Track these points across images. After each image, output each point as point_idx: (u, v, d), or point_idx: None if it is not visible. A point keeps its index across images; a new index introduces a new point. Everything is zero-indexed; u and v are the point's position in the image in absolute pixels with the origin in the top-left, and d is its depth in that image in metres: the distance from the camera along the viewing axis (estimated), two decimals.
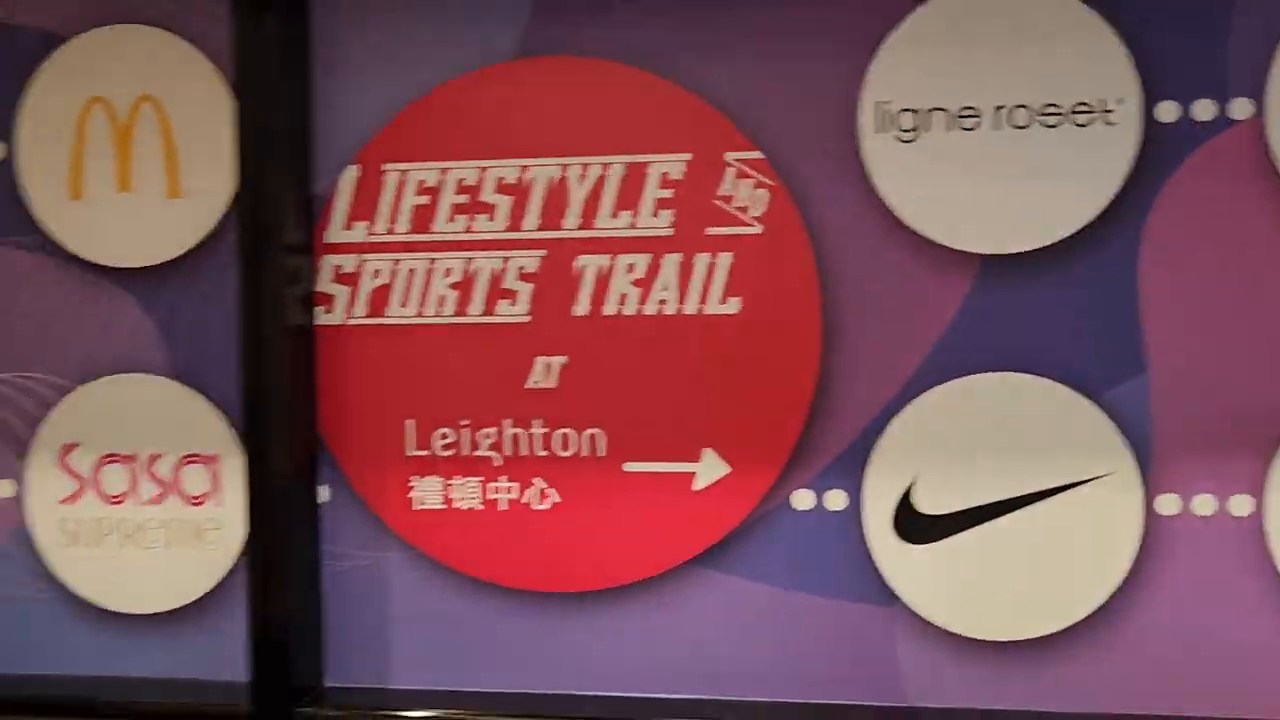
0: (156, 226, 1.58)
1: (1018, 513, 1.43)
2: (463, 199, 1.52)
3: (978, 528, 1.43)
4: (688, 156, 1.48)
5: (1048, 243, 1.40)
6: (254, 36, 1.47)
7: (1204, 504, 1.40)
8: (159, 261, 1.58)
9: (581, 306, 1.50)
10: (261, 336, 1.47)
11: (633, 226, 1.49)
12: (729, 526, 1.48)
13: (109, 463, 1.61)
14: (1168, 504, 1.40)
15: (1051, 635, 1.43)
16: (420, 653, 1.55)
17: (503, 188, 1.51)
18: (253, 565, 1.49)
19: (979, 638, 1.44)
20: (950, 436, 1.43)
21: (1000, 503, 1.43)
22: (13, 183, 1.60)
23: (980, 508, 1.43)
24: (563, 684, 1.52)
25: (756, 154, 1.46)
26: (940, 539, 1.44)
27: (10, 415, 1.62)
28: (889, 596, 1.45)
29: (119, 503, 1.61)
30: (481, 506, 1.53)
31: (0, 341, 1.61)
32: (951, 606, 1.44)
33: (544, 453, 1.51)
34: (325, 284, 1.55)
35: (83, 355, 1.61)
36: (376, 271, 1.54)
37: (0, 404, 1.62)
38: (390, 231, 1.54)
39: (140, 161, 1.58)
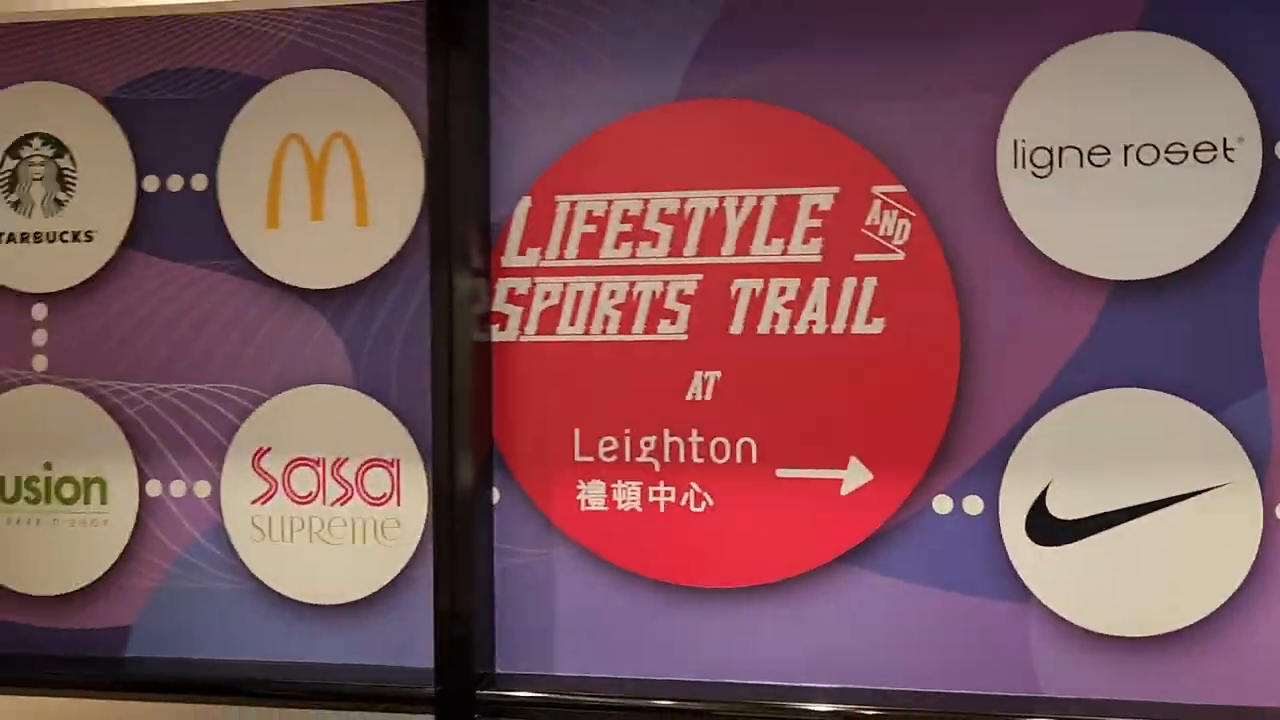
0: (345, 252, 1.75)
1: (1144, 518, 1.55)
2: (627, 227, 1.67)
3: (1106, 531, 1.55)
4: (836, 189, 1.62)
5: (1173, 269, 1.53)
6: (444, 83, 1.64)
7: None
8: (347, 283, 1.75)
9: (736, 326, 1.64)
10: (449, 352, 1.63)
11: (784, 253, 1.63)
12: (873, 528, 1.61)
13: (298, 466, 1.77)
14: None
15: (1175, 631, 1.54)
16: (584, 642, 1.69)
17: (664, 217, 1.66)
18: (438, 561, 1.64)
19: (1107, 633, 1.56)
20: (1081, 447, 1.56)
21: (1128, 509, 1.55)
22: (214, 211, 1.78)
23: (1109, 513, 1.56)
24: (716, 672, 1.65)
25: (900, 188, 1.60)
26: (1071, 541, 1.56)
27: (209, 422, 1.79)
28: (1023, 593, 1.57)
29: (307, 502, 1.77)
30: (642, 508, 1.67)
31: (200, 355, 1.79)
32: (1081, 603, 1.56)
33: (700, 460, 1.65)
34: (500, 304, 1.71)
35: (276, 368, 1.77)
36: (547, 293, 1.69)
37: (200, 412, 1.79)
38: (560, 257, 1.69)
39: (331, 193, 1.75)
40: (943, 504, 1.60)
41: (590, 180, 1.68)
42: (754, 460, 1.64)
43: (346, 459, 1.76)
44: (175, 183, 1.79)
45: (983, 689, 1.59)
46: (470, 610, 1.64)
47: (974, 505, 1.59)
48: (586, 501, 1.69)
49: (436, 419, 1.63)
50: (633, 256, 1.67)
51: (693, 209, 1.66)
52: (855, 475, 1.62)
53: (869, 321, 1.61)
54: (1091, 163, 1.55)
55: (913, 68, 1.59)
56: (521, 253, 1.70)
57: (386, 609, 1.75)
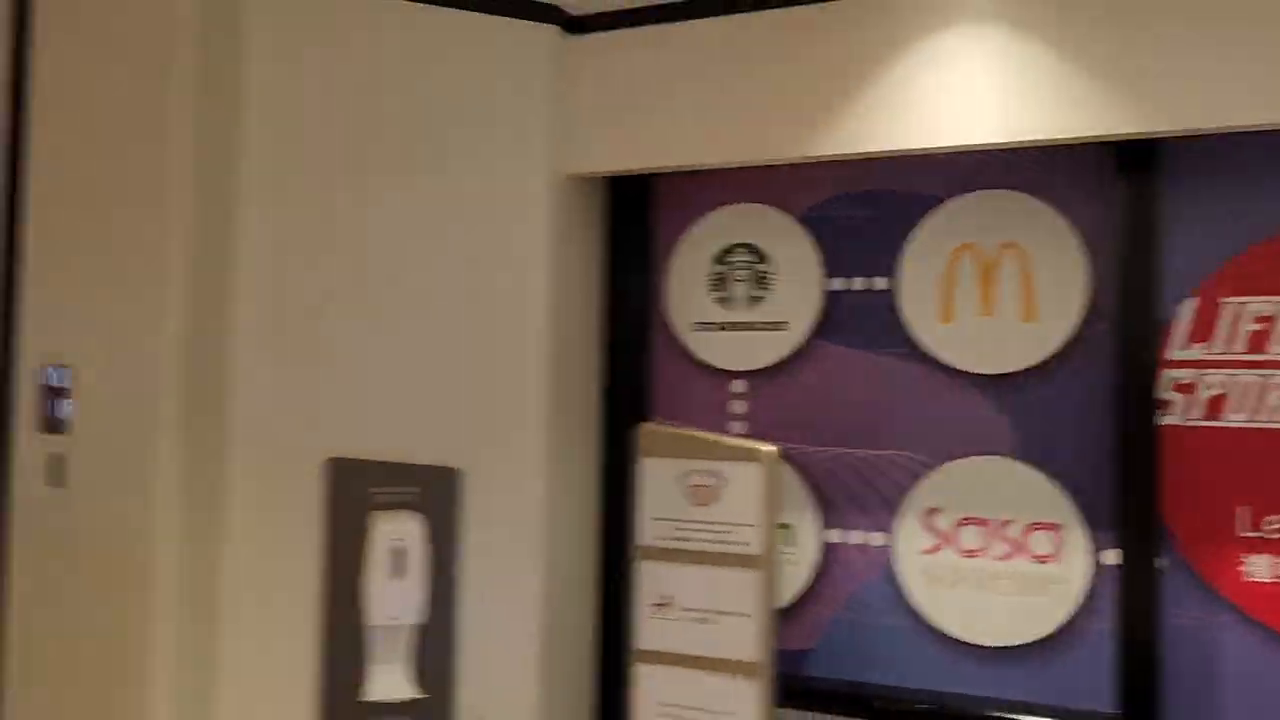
0: (1012, 344, 2.04)
1: None
2: None
3: None
4: None
5: None
6: (1131, 205, 1.89)
7: None
8: (1011, 370, 2.04)
9: None
10: (1130, 435, 1.87)
11: None
12: None
13: (966, 524, 2.07)
14: None
15: None
16: (1248, 702, 1.86)
17: None
18: (1123, 620, 1.88)
19: None
20: None
21: None
22: (894, 308, 2.14)
23: None
24: None
25: None
26: None
27: (884, 483, 2.14)
28: None
29: (973, 556, 2.06)
30: None
31: (877, 426, 2.14)
32: None
33: None
34: (1166, 392, 1.92)
35: (945, 440, 2.09)
36: (1211, 384, 1.89)
37: (878, 475, 2.14)
38: (1226, 352, 1.89)
39: (1001, 293, 2.05)
40: None
41: (1255, 284, 1.87)
42: None
43: (1011, 521, 2.04)
44: (858, 284, 2.17)
45: None
46: (1150, 665, 1.85)
47: None
48: (1250, 573, 1.86)
49: (1122, 494, 1.87)
50: None
51: None
52: None
53: None
54: None
55: None
56: (1186, 347, 1.92)
57: (1047, 655, 2.00)
